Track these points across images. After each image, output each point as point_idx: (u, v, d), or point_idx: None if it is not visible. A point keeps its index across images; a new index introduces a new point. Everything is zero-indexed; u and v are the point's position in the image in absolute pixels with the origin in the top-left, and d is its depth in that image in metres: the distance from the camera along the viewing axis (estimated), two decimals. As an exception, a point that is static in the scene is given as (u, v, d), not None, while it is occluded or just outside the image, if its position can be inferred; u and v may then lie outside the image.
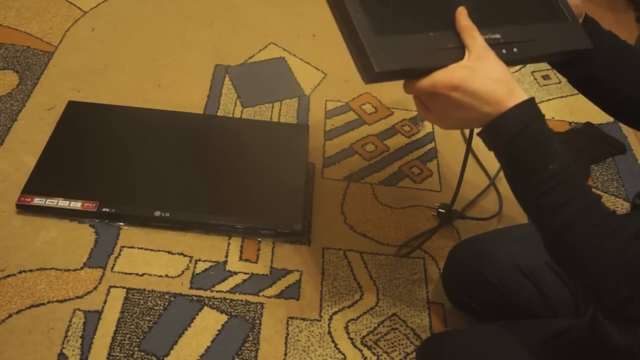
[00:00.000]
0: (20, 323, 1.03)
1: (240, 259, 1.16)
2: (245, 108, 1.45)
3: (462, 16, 0.73)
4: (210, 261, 1.15)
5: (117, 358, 1.01)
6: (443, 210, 1.26)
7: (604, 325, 0.82)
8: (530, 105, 0.69)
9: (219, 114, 1.43)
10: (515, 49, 0.77)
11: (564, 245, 0.69)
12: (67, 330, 1.03)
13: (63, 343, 1.01)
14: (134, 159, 1.28)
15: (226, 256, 1.16)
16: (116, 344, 1.02)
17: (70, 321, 1.04)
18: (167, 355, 1.02)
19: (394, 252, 1.20)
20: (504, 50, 0.76)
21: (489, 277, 0.98)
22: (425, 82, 0.70)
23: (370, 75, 0.69)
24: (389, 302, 1.13)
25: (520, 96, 0.69)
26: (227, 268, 1.15)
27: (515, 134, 0.68)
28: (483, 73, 0.69)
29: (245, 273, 1.14)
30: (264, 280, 1.14)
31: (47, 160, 1.24)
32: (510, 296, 0.97)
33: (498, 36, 0.76)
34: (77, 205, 1.17)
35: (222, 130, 1.38)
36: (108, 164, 1.25)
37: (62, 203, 1.17)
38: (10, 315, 1.04)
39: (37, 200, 1.17)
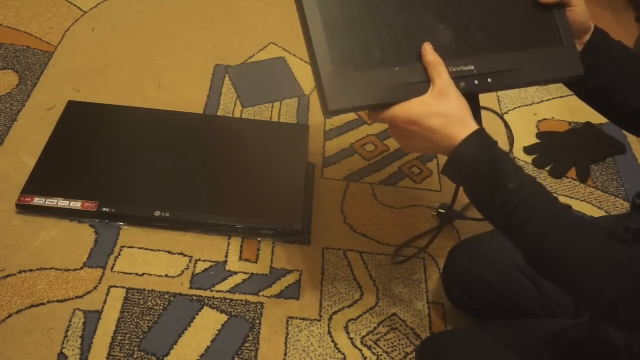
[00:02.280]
0: (20, 323, 1.03)
1: (240, 259, 1.16)
2: (245, 108, 1.45)
3: (428, 51, 0.75)
4: (210, 261, 1.15)
5: (117, 358, 1.01)
6: (443, 211, 1.26)
7: (603, 324, 0.82)
8: (479, 135, 0.72)
9: (219, 114, 1.43)
10: (489, 80, 0.78)
11: (540, 259, 0.70)
12: (67, 330, 1.03)
13: (63, 343, 1.01)
14: (134, 159, 1.28)
15: (226, 256, 1.16)
16: (116, 344, 1.02)
17: (70, 321, 1.04)
18: (167, 355, 1.02)
19: (391, 255, 1.20)
20: (476, 82, 0.77)
21: (489, 277, 0.99)
22: (386, 115, 0.75)
23: (326, 111, 0.72)
24: (389, 302, 1.13)
25: (471, 128, 0.72)
26: (227, 268, 1.15)
27: (471, 163, 0.71)
28: (440, 111, 0.72)
29: (245, 273, 1.14)
30: (264, 280, 1.14)
31: (47, 160, 1.24)
32: (510, 296, 0.97)
33: (471, 68, 0.77)
34: (77, 205, 1.17)
35: (222, 130, 1.38)
36: (108, 164, 1.25)
37: (62, 203, 1.17)
38: (10, 315, 1.04)
39: (37, 200, 1.17)
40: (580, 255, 0.67)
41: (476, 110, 0.79)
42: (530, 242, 0.70)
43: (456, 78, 0.75)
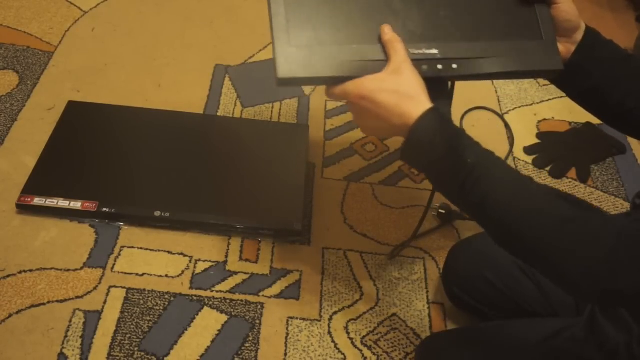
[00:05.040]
0: (20, 323, 1.03)
1: (240, 259, 1.16)
2: (245, 108, 1.45)
3: (386, 31, 0.76)
4: (210, 261, 1.15)
5: (117, 358, 1.01)
6: (443, 211, 1.26)
7: (602, 323, 0.82)
8: (434, 112, 0.71)
9: (219, 114, 1.43)
10: (454, 65, 0.78)
11: (508, 235, 0.68)
12: (67, 330, 1.03)
13: (63, 343, 1.02)
14: (134, 159, 1.28)
15: (226, 256, 1.16)
16: (116, 344, 1.02)
17: (70, 321, 1.04)
18: (167, 355, 1.02)
19: (388, 254, 1.20)
20: (439, 66, 0.77)
21: (489, 276, 0.99)
22: (339, 89, 0.75)
23: (276, 79, 0.74)
24: (389, 302, 1.13)
25: (424, 105, 0.71)
26: (227, 268, 1.15)
27: (429, 141, 0.70)
28: (392, 87, 0.72)
29: (245, 273, 1.14)
30: (264, 280, 1.14)
31: (47, 160, 1.24)
32: (510, 294, 0.97)
33: (434, 51, 0.77)
34: (77, 205, 1.17)
35: (222, 130, 1.38)
36: (108, 164, 1.25)
37: (62, 203, 1.17)
38: (10, 315, 1.04)
39: (37, 200, 1.17)
40: (550, 223, 0.65)
41: (446, 97, 0.80)
42: (495, 217, 0.68)
43: (418, 60, 0.75)
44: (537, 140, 1.48)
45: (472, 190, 0.68)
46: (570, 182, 1.40)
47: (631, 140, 1.51)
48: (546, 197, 0.68)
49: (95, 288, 1.09)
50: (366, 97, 0.72)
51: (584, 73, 0.83)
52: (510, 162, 1.42)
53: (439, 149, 0.70)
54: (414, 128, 0.70)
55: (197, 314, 1.07)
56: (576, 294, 0.71)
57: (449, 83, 0.82)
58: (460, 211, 0.73)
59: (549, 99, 1.60)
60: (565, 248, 0.64)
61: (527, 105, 1.57)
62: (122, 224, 1.18)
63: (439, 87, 0.78)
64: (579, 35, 0.83)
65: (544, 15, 0.82)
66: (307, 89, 1.51)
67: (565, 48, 0.82)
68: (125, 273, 1.12)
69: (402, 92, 0.71)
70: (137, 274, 1.12)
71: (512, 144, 1.46)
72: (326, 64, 0.75)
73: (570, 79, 0.84)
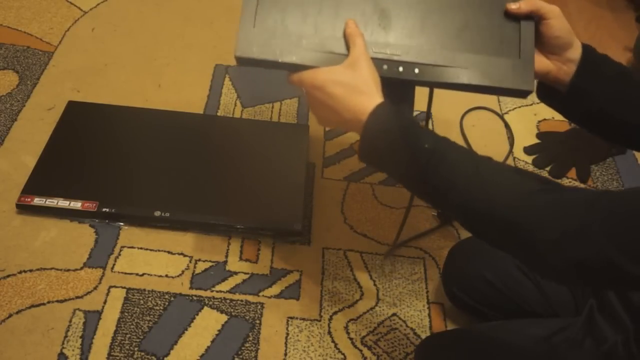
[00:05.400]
0: (20, 323, 1.03)
1: (240, 259, 1.16)
2: (245, 108, 1.45)
3: (350, 24, 0.77)
4: (210, 261, 1.15)
5: (117, 358, 1.01)
6: (443, 210, 1.26)
7: (600, 322, 0.82)
8: (386, 106, 0.70)
9: (219, 114, 1.43)
10: (416, 70, 0.78)
11: (479, 214, 0.67)
12: (67, 330, 1.03)
13: (63, 343, 1.02)
14: (134, 159, 1.28)
15: (226, 256, 1.16)
16: (116, 344, 1.02)
17: (70, 321, 1.04)
18: (167, 355, 1.02)
19: (384, 254, 1.20)
20: (400, 68, 0.77)
21: (489, 276, 0.99)
22: (295, 76, 0.76)
23: (235, 57, 0.77)
24: (389, 302, 1.13)
25: (375, 100, 0.70)
26: (227, 268, 1.15)
27: (384, 134, 0.69)
28: (345, 80, 0.72)
29: (245, 273, 1.14)
30: (264, 280, 1.14)
31: (47, 160, 1.24)
32: (510, 295, 0.97)
33: (397, 53, 0.78)
34: (77, 205, 1.17)
35: (222, 130, 1.38)
36: (108, 164, 1.25)
37: (62, 203, 1.17)
38: (10, 315, 1.04)
39: (37, 200, 1.17)
40: (517, 195, 0.64)
41: (409, 100, 0.81)
42: (461, 199, 0.67)
43: (379, 59, 0.76)
44: (537, 140, 1.48)
45: (435, 175, 0.67)
46: (570, 182, 1.40)
47: (631, 140, 1.51)
48: (509, 173, 0.68)
49: (95, 288, 1.09)
50: (319, 88, 0.72)
51: (588, 94, 0.79)
52: (510, 162, 1.42)
53: (395, 140, 0.69)
54: (367, 123, 0.69)
55: (197, 314, 1.08)
56: (545, 268, 0.66)
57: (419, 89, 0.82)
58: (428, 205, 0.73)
59: (549, 99, 1.60)
60: (535, 217, 0.63)
61: (527, 105, 1.57)
62: (122, 224, 1.18)
63: (404, 91, 0.79)
64: (572, 54, 0.78)
65: (527, 32, 0.79)
66: (307, 89, 1.51)
67: (556, 66, 0.79)
68: (125, 273, 1.12)
69: (354, 86, 0.71)
70: (137, 274, 1.12)
71: (512, 144, 1.46)
72: (286, 50, 0.76)
73: (573, 102, 0.80)
